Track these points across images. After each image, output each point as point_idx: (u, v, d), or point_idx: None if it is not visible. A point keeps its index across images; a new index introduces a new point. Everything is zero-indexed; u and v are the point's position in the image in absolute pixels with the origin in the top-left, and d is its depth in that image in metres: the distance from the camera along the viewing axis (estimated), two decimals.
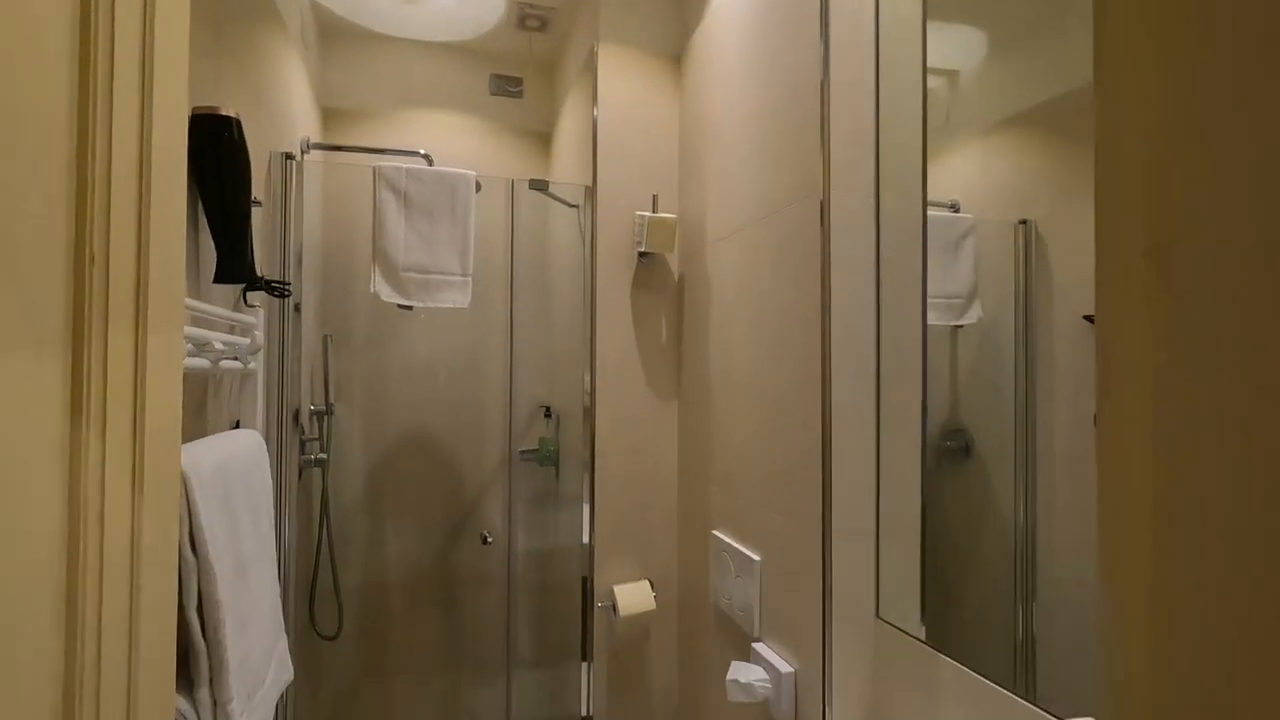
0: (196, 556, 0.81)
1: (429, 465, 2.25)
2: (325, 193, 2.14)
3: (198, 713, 0.81)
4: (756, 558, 1.37)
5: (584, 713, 1.86)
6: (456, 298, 1.65)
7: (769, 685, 1.25)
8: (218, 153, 1.03)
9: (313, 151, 1.88)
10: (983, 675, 0.91)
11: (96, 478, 0.56)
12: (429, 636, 2.25)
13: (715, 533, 1.57)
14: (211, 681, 0.83)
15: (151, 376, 0.62)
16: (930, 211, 1.06)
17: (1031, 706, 0.83)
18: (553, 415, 2.29)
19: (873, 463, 1.16)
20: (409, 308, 1.64)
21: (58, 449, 0.53)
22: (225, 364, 1.00)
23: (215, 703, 0.82)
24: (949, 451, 1.04)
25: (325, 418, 2.01)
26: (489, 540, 2.21)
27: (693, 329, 1.75)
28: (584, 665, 1.84)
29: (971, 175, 0.99)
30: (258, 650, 0.96)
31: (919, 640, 1.03)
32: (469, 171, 1.70)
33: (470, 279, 1.67)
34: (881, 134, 1.17)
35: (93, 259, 0.56)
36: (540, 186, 1.84)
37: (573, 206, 1.95)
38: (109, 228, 0.58)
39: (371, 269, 1.58)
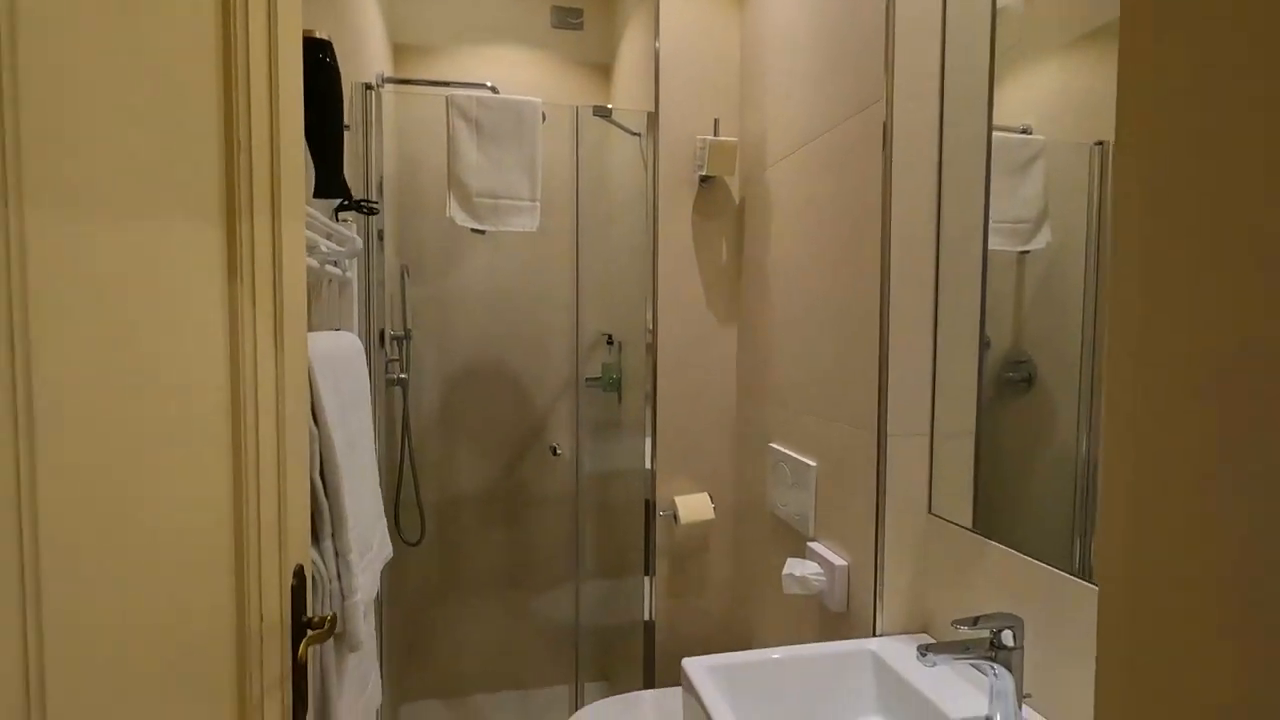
0: (317, 426, 0.93)
1: (500, 388, 2.38)
2: (397, 127, 2.23)
3: (323, 560, 0.95)
4: (812, 464, 1.43)
5: (646, 617, 2.00)
6: (526, 222, 1.73)
7: (822, 577, 1.33)
8: (314, 74, 1.12)
9: (385, 85, 1.97)
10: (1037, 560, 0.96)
11: (250, 332, 0.66)
12: (504, 545, 2.43)
13: (773, 444, 1.64)
14: (334, 535, 0.96)
15: (286, 251, 0.72)
16: (999, 134, 1.06)
17: (1085, 582, 0.88)
18: (614, 342, 2.38)
19: (928, 375, 1.19)
20: (482, 232, 1.73)
21: (220, 304, 0.64)
22: (329, 269, 1.11)
23: (337, 553, 0.96)
24: (1010, 382, 1.05)
25: (404, 342, 2.15)
26: (558, 452, 2.35)
27: (753, 251, 1.79)
28: (646, 579, 1.97)
29: (1045, 96, 0.98)
30: (365, 520, 1.10)
31: (970, 530, 1.09)
32: (535, 99, 1.75)
33: (538, 204, 1.75)
34: (948, 52, 1.16)
35: (239, 144, 0.65)
36: (603, 113, 1.89)
37: (634, 135, 1.98)
38: (250, 122, 0.67)
39: (447, 195, 1.67)
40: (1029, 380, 1.02)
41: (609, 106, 1.91)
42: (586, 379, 2.36)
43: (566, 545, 2.43)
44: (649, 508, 1.95)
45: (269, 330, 0.71)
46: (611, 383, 2.37)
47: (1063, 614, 0.90)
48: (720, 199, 1.87)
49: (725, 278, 1.89)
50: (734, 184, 1.88)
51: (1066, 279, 0.95)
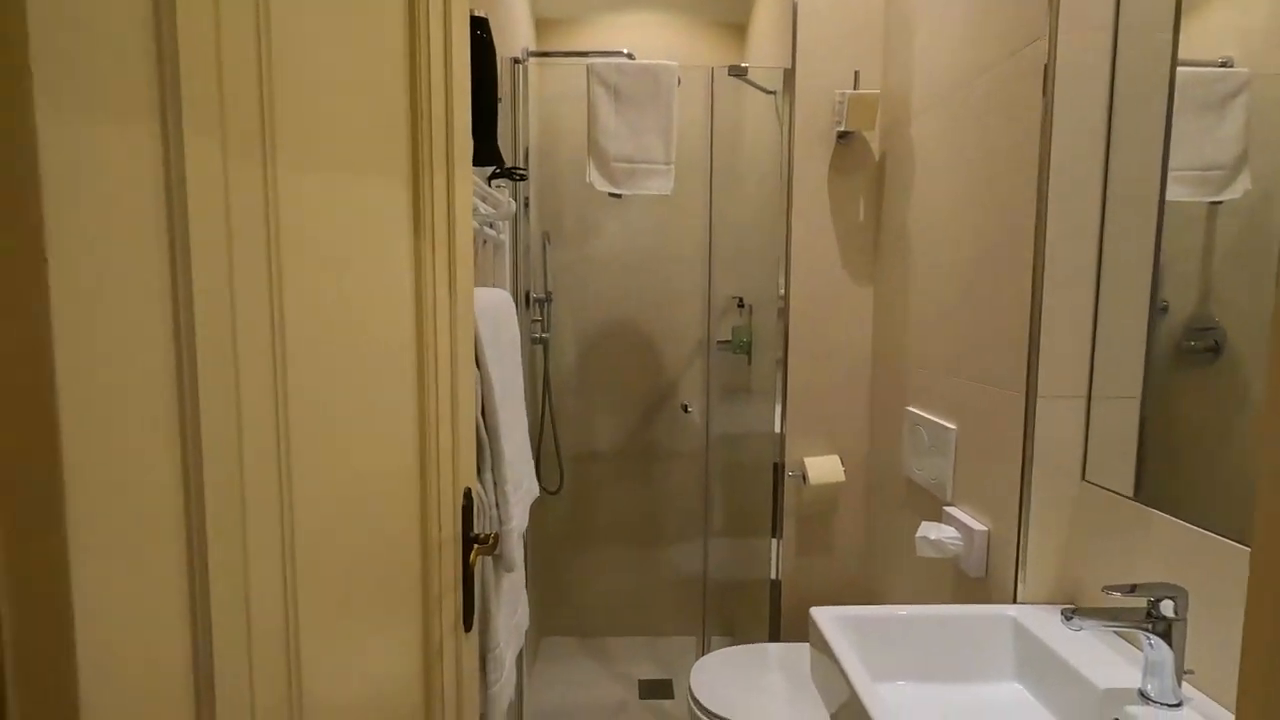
0: (479, 369, 1.04)
1: (633, 349, 2.48)
2: (539, 100, 2.34)
3: (483, 489, 1.06)
4: (952, 426, 1.39)
5: (773, 576, 2.03)
6: (661, 185, 1.77)
7: (959, 542, 1.29)
8: (473, 49, 1.21)
9: (530, 59, 2.07)
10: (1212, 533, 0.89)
11: (430, 277, 0.76)
12: (636, 498, 2.55)
13: (910, 408, 1.60)
14: (493, 468, 1.07)
15: (458, 208, 0.81)
16: (1188, 70, 0.95)
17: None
18: (745, 305, 2.39)
19: (1087, 335, 1.12)
20: (618, 196, 1.79)
21: (408, 255, 0.73)
22: (485, 230, 1.21)
23: (495, 484, 1.07)
24: (1191, 351, 0.96)
25: (545, 304, 2.29)
26: (689, 410, 2.41)
27: (892, 207, 1.73)
28: (774, 540, 2.00)
29: (1255, 21, 0.86)
30: (518, 459, 1.21)
31: (1131, 499, 1.02)
32: (671, 62, 1.78)
33: (673, 167, 1.78)
34: None
35: (422, 113, 0.74)
36: (739, 73, 1.88)
37: (769, 93, 1.96)
38: (430, 93, 0.75)
39: (587, 161, 1.75)
40: (1215, 349, 0.92)
41: (744, 65, 1.89)
42: (717, 342, 2.39)
43: (695, 502, 2.50)
44: (777, 471, 1.97)
45: (445, 278, 0.80)
46: (741, 345, 2.39)
47: (1240, 590, 0.83)
48: (858, 155, 1.82)
49: (861, 236, 1.84)
50: (874, 139, 1.81)
51: (1271, 234, 0.84)
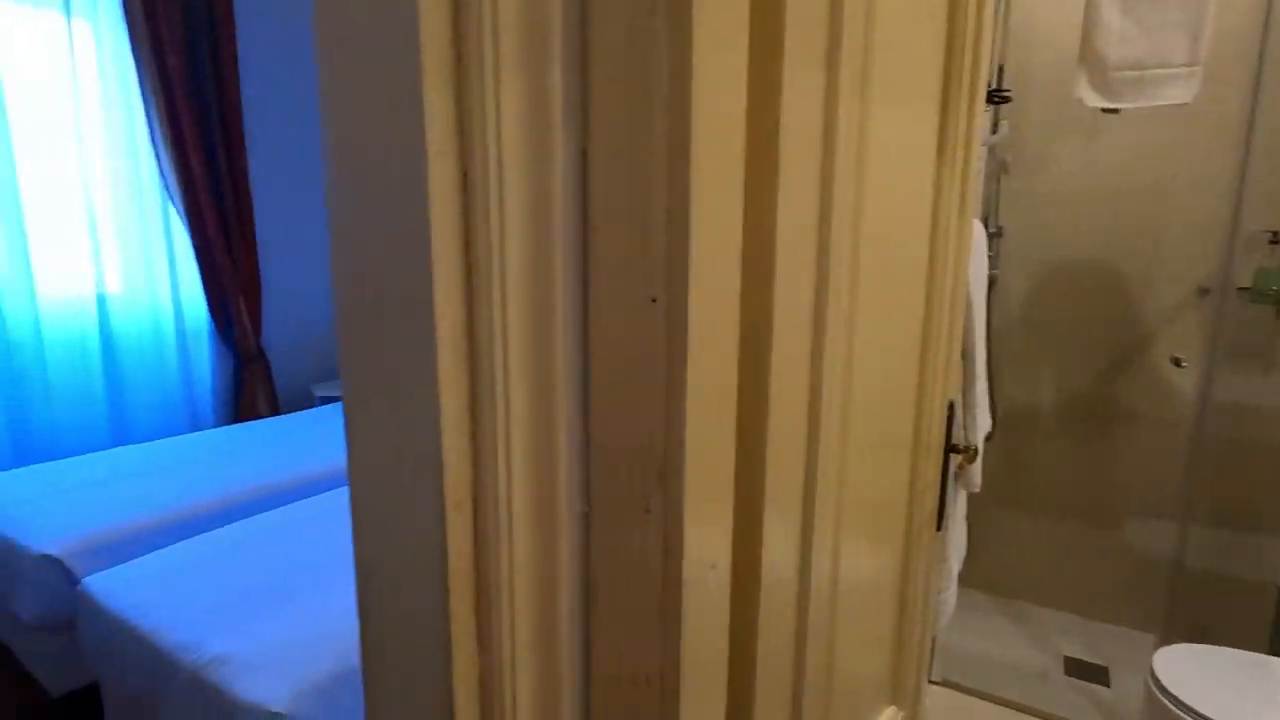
0: None
1: (1101, 290, 2.15)
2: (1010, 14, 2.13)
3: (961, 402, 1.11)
4: None
5: None
6: (1180, 92, 1.48)
7: None
8: None
9: None
10: None
11: (945, 202, 0.82)
12: (1083, 458, 2.27)
13: None
14: (964, 390, 1.11)
15: (974, 137, 0.84)
16: None
17: None
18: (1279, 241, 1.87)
19: None
20: (1114, 111, 1.56)
21: (931, 179, 0.80)
22: None
23: (966, 405, 1.11)
24: None
25: (995, 239, 2.14)
26: (1183, 364, 2.02)
27: None
28: None
29: None
30: (980, 380, 1.21)
31: None
32: None
33: (1200, 68, 1.47)
34: None
35: (956, 44, 0.78)
36: None
37: None
38: (964, 33, 0.79)
39: (1077, 73, 1.56)
40: None
41: None
42: (1237, 289, 1.93)
43: (1169, 477, 2.11)
44: None
45: (957, 203, 0.85)
46: (1267, 294, 1.88)
47: None
48: None
49: None
50: None
51: None
